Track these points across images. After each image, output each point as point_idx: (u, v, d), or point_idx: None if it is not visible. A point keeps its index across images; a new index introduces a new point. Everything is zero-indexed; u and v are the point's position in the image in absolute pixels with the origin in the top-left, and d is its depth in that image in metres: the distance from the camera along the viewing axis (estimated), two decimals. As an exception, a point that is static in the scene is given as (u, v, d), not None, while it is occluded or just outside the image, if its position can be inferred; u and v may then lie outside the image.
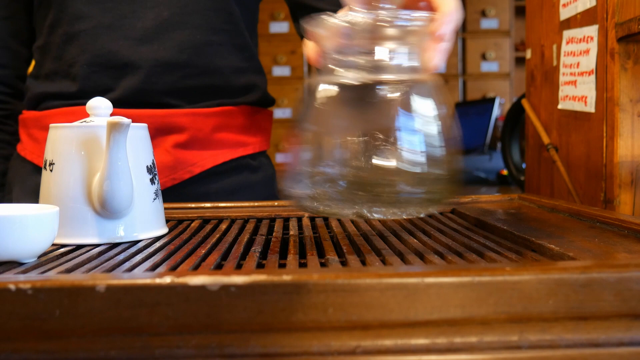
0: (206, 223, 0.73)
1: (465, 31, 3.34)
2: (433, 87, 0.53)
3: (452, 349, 0.36)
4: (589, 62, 0.88)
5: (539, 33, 1.07)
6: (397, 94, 0.52)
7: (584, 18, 0.90)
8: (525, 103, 1.11)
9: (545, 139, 1.02)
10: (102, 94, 0.87)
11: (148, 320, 0.36)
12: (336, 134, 0.53)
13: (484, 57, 3.35)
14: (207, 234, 0.64)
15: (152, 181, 0.64)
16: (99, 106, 0.64)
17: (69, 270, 0.47)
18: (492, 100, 2.59)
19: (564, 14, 0.96)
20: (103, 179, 0.58)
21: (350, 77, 0.52)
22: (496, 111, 2.56)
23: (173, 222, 0.73)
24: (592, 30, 0.87)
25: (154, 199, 0.64)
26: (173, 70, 0.89)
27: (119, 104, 0.88)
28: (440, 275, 0.36)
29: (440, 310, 0.36)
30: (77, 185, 0.60)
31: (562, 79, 0.96)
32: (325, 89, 0.53)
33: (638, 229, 0.53)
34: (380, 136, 0.51)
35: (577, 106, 0.91)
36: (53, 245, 0.59)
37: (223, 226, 0.70)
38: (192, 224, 0.71)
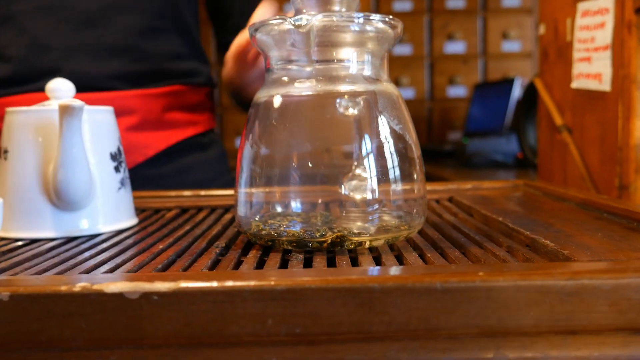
0: (184, 212, 0.68)
1: (486, 10, 3.24)
2: (393, 98, 0.47)
3: (415, 368, 0.31)
4: (605, 36, 0.80)
5: (553, 6, 0.99)
6: (354, 107, 0.46)
7: (599, -13, 0.82)
8: (537, 82, 1.04)
9: (558, 120, 0.95)
10: (42, 77, 0.83)
11: (59, 333, 0.31)
12: (287, 153, 0.47)
13: (505, 36, 3.24)
14: (177, 226, 0.59)
15: (117, 169, 0.59)
16: (60, 88, 0.59)
17: (2, 271, 0.42)
18: (512, 80, 2.50)
19: (578, -16, 0.89)
20: (57, 167, 0.53)
21: (302, 88, 0.46)
22: (516, 92, 2.47)
23: (149, 212, 0.69)
24: (608, 2, 0.80)
25: (119, 188, 0.59)
26: (118, 55, 0.86)
27: None
28: (400, 280, 0.31)
29: (400, 321, 0.31)
30: (32, 174, 0.55)
31: (576, 55, 0.89)
32: (274, 103, 0.47)
33: (649, 222, 0.47)
34: (336, 155, 0.46)
35: (592, 84, 0.84)
36: (7, 239, 0.54)
37: (200, 216, 0.65)
38: (168, 214, 0.66)
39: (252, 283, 0.31)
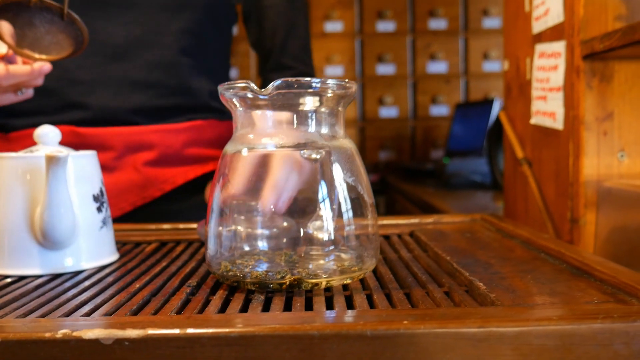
0: (163, 246, 0.73)
1: (467, 31, 3.32)
2: (348, 152, 0.53)
3: (350, 403, 0.36)
4: (557, 78, 0.86)
5: (515, 45, 1.06)
6: (312, 163, 0.52)
7: (553, 33, 0.89)
8: (502, 116, 1.10)
9: (519, 153, 1.01)
10: (68, 109, 0.87)
11: (43, 374, 0.36)
12: (253, 202, 0.53)
13: (486, 56, 3.32)
14: (154, 262, 0.64)
15: (99, 209, 0.64)
16: (46, 134, 0.64)
17: (-7, 310, 0.47)
18: (492, 101, 2.57)
19: (536, 27, 0.95)
20: (43, 211, 0.58)
21: (265, 144, 0.52)
22: (495, 112, 2.53)
23: (130, 245, 0.73)
24: (560, 47, 0.86)
25: (101, 227, 0.64)
26: (142, 89, 0.89)
27: (86, 121, 0.88)
28: (336, 328, 0.36)
29: (337, 363, 0.36)
30: (20, 216, 0.60)
31: (534, 93, 0.95)
32: (241, 157, 0.53)
33: (574, 264, 0.52)
34: (296, 203, 0.52)
35: (547, 122, 0.90)
36: (-4, 276, 0.59)
37: (178, 250, 0.70)
38: (147, 248, 0.71)
39: (210, 330, 0.36)
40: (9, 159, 0.61)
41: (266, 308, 0.47)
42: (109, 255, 0.65)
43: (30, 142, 0.86)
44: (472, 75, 3.34)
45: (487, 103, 2.61)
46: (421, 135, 3.24)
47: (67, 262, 0.61)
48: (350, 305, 0.47)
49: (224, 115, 0.96)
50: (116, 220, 0.88)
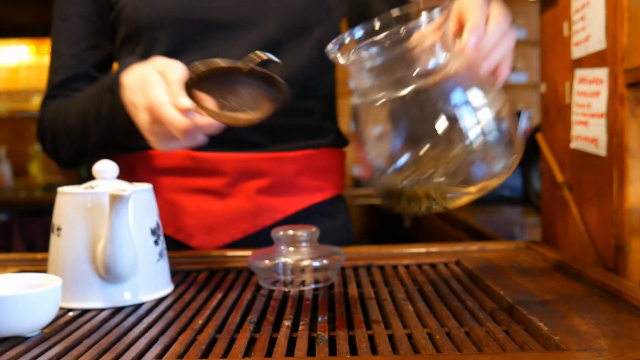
0: (214, 275, 0.74)
1: (492, 42, 3.29)
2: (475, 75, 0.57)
3: None
4: (600, 104, 0.87)
5: (553, 68, 1.06)
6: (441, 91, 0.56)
7: (595, 59, 0.89)
8: (540, 138, 1.10)
9: (559, 177, 1.01)
10: None
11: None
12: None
13: (511, 68, 3.29)
14: (209, 294, 0.65)
15: (156, 242, 0.66)
16: (105, 170, 0.66)
17: (68, 349, 0.49)
18: (519, 114, 2.55)
19: (576, 52, 0.95)
20: (106, 247, 0.59)
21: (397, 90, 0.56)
22: (523, 125, 2.52)
23: (181, 275, 0.75)
24: (602, 73, 0.86)
25: (158, 259, 0.66)
26: None
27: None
28: (413, 378, 0.37)
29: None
30: (83, 250, 0.62)
31: (574, 118, 0.95)
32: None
33: (632, 303, 0.52)
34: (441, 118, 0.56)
35: (589, 147, 0.90)
36: (60, 309, 0.61)
37: (229, 279, 0.71)
38: (199, 278, 0.73)
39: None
40: (72, 195, 0.63)
41: (332, 349, 0.48)
42: (165, 287, 0.66)
43: (152, 163, 0.87)
44: (498, 87, 3.31)
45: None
46: (446, 147, 3.22)
47: (126, 295, 0.62)
48: (413, 346, 0.48)
49: (334, 141, 0.96)
50: (225, 247, 0.88)
